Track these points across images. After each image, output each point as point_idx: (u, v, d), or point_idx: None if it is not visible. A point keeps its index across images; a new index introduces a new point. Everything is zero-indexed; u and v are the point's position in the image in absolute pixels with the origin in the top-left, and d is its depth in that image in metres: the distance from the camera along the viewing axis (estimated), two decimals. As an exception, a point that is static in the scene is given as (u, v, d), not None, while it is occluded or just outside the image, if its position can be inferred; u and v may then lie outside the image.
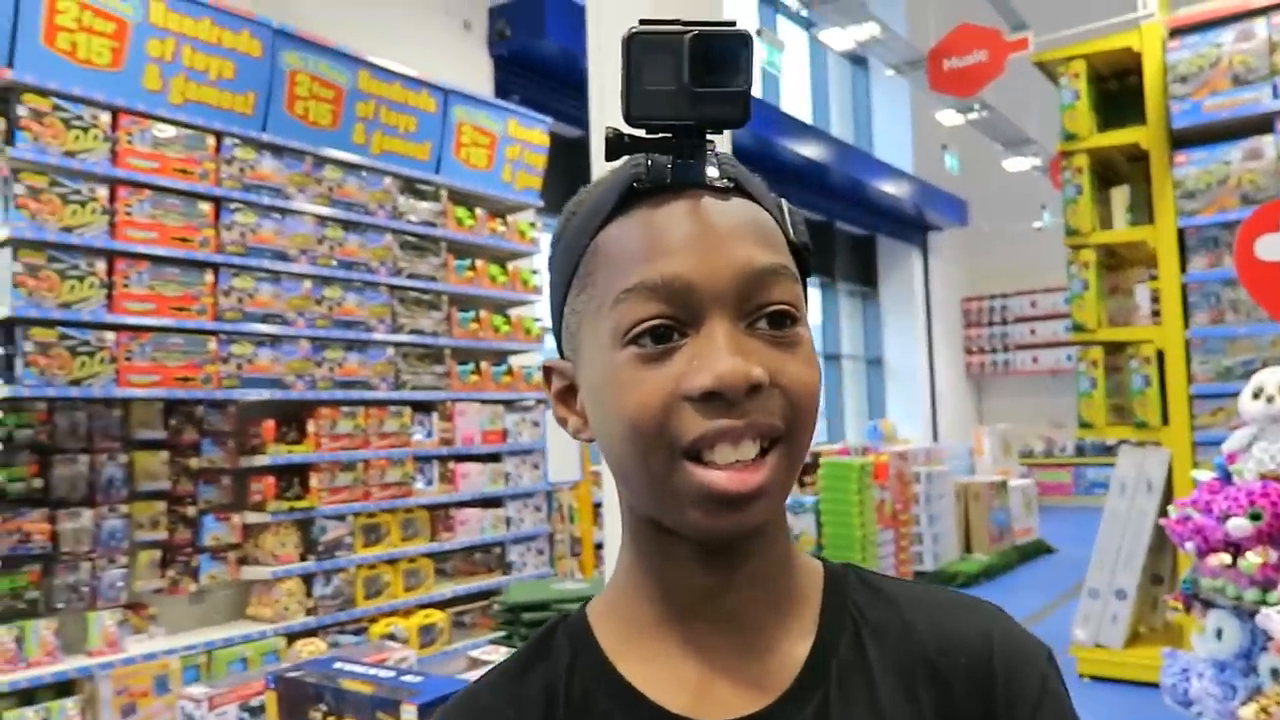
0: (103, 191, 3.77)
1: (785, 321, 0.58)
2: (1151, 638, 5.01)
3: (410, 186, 5.15)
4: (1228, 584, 1.72)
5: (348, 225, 4.78)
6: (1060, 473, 12.87)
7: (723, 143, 0.71)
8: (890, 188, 11.17)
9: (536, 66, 6.88)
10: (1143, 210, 5.14)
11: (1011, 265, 13.76)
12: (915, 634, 0.63)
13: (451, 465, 5.22)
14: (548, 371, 0.67)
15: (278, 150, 4.48)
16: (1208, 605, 1.82)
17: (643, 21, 0.56)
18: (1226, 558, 1.73)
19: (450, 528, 5.16)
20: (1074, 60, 5.12)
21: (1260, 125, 4.60)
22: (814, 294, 11.70)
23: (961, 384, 14.01)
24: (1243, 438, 1.78)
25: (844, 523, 5.94)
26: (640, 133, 0.58)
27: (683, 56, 0.55)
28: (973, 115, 9.93)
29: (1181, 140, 4.83)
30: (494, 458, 5.50)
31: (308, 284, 4.55)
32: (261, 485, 4.32)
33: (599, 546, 5.95)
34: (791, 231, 0.62)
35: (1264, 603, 1.63)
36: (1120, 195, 5.28)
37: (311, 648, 4.07)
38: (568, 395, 0.65)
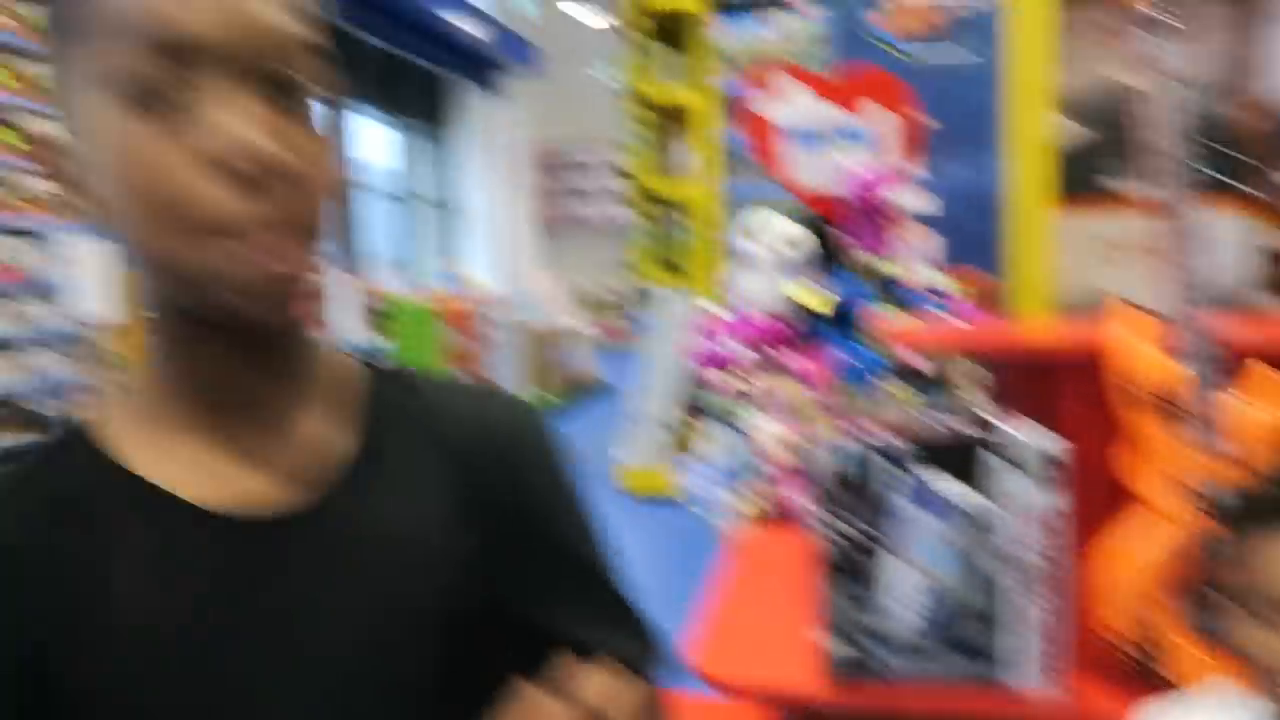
0: None
1: (303, 98, 0.54)
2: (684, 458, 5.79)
3: None
4: (729, 401, 2.05)
5: None
6: (619, 318, 14.04)
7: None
8: (466, 25, 10.93)
9: None
10: (692, 73, 5.61)
11: (585, 117, 14.31)
12: (439, 420, 0.66)
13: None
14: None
15: None
16: (712, 418, 2.15)
17: None
18: (727, 377, 2.04)
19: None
20: (641, -79, 5.32)
21: (784, 4, 5.18)
22: (384, 132, 11.28)
23: (534, 231, 14.54)
24: (744, 276, 2.09)
25: (417, 365, 6.00)
26: None
27: None
28: (549, -38, 9.95)
29: (721, 8, 5.29)
30: None
31: None
32: None
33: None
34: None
35: (755, 415, 1.97)
36: (672, 57, 5.69)
37: None
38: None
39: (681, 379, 5.55)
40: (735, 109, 5.34)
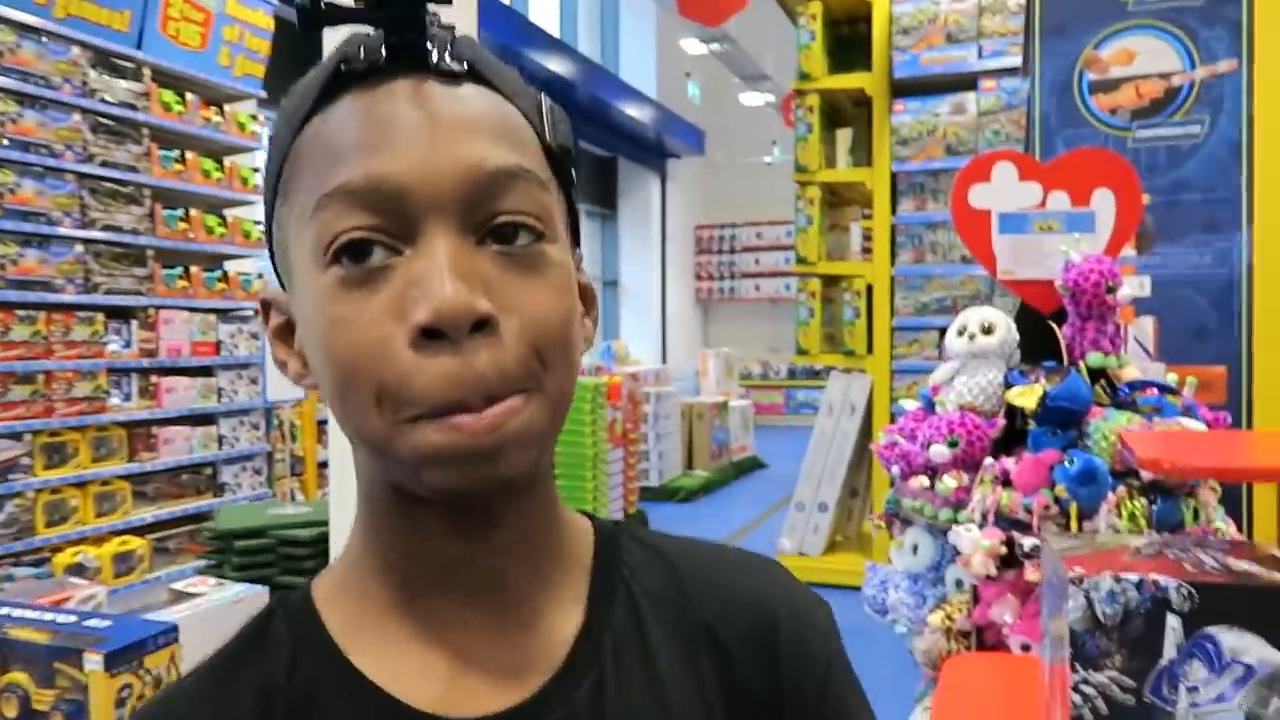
0: None
1: (523, 236, 0.48)
2: (846, 545, 5.54)
3: (104, 60, 4.49)
4: (925, 504, 1.88)
5: (23, 99, 4.10)
6: (774, 394, 13.85)
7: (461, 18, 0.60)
8: (633, 111, 11.25)
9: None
10: (862, 152, 5.50)
11: (742, 196, 14.41)
12: (694, 598, 0.57)
13: (154, 379, 4.73)
14: (265, 305, 0.55)
15: (-72, -1, 3.74)
16: (906, 523, 1.98)
17: None
18: (926, 480, 1.88)
19: (152, 447, 4.70)
20: (812, 2, 5.32)
21: (966, 82, 5.03)
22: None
23: (690, 308, 14.62)
24: (946, 371, 1.93)
25: (576, 442, 6.03)
26: (349, 1, 0.47)
27: None
28: (715, 46, 10.17)
29: (900, 89, 5.19)
30: (205, 371, 5.04)
31: (-30, 165, 3.87)
32: (-90, 399, 3.70)
33: (323, 465, 5.66)
34: (549, 132, 0.51)
35: (955, 521, 1.79)
36: (844, 137, 5.61)
37: (-22, 583, 3.58)
38: (285, 333, 0.54)
39: (852, 465, 5.33)
40: (910, 191, 5.20)
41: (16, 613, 1.66)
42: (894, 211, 5.23)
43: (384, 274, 0.46)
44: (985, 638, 1.79)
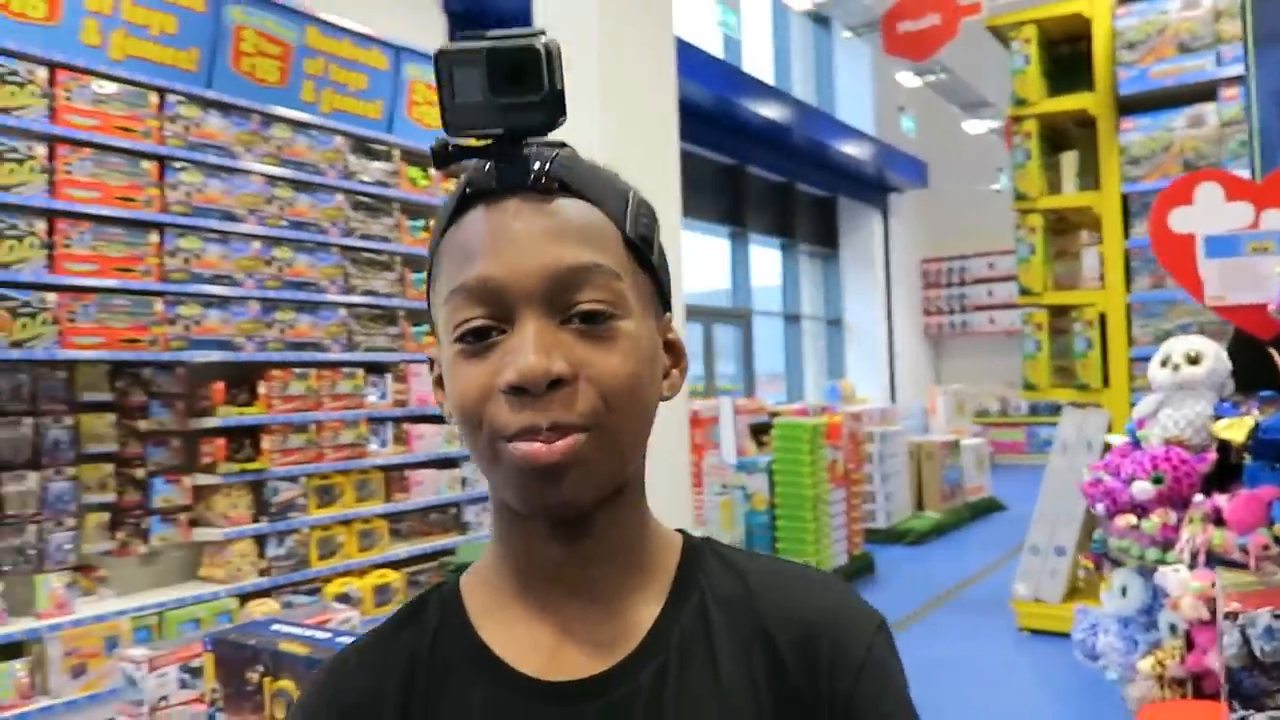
0: (41, 150, 3.69)
1: (599, 318, 0.62)
2: (1088, 592, 5.17)
3: (362, 146, 5.09)
4: (1132, 544, 1.80)
5: (298, 185, 4.73)
6: (1014, 431, 13.12)
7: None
8: (851, 149, 11.18)
9: (491, 24, 6.76)
10: (1090, 175, 5.22)
11: (970, 227, 13.87)
12: (758, 607, 0.67)
13: (406, 426, 5.23)
14: (431, 361, 0.72)
15: (224, 108, 4.41)
16: (1115, 564, 1.89)
17: (458, 36, 0.61)
18: (1132, 519, 1.80)
19: (405, 488, 5.18)
20: (1025, 25, 5.15)
21: (1204, 93, 4.68)
22: (775, 255, 11.74)
23: (919, 344, 14.18)
24: (1151, 404, 1.84)
25: (795, 482, 6.03)
26: (471, 141, 0.63)
27: (483, 69, 0.60)
28: (931, 78, 9.96)
29: (1128, 106, 4.90)
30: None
31: (257, 244, 4.50)
32: (212, 447, 4.31)
33: (555, 506, 5.99)
34: (630, 226, 0.65)
35: (1163, 561, 1.71)
36: (1069, 160, 5.35)
37: (264, 608, 4.08)
38: (442, 382, 0.70)
39: (1086, 507, 5.00)
40: (1144, 213, 4.87)
41: (285, 629, 1.95)
42: (1127, 235, 4.92)
43: (491, 348, 0.62)
44: (1203, 686, 1.68)
